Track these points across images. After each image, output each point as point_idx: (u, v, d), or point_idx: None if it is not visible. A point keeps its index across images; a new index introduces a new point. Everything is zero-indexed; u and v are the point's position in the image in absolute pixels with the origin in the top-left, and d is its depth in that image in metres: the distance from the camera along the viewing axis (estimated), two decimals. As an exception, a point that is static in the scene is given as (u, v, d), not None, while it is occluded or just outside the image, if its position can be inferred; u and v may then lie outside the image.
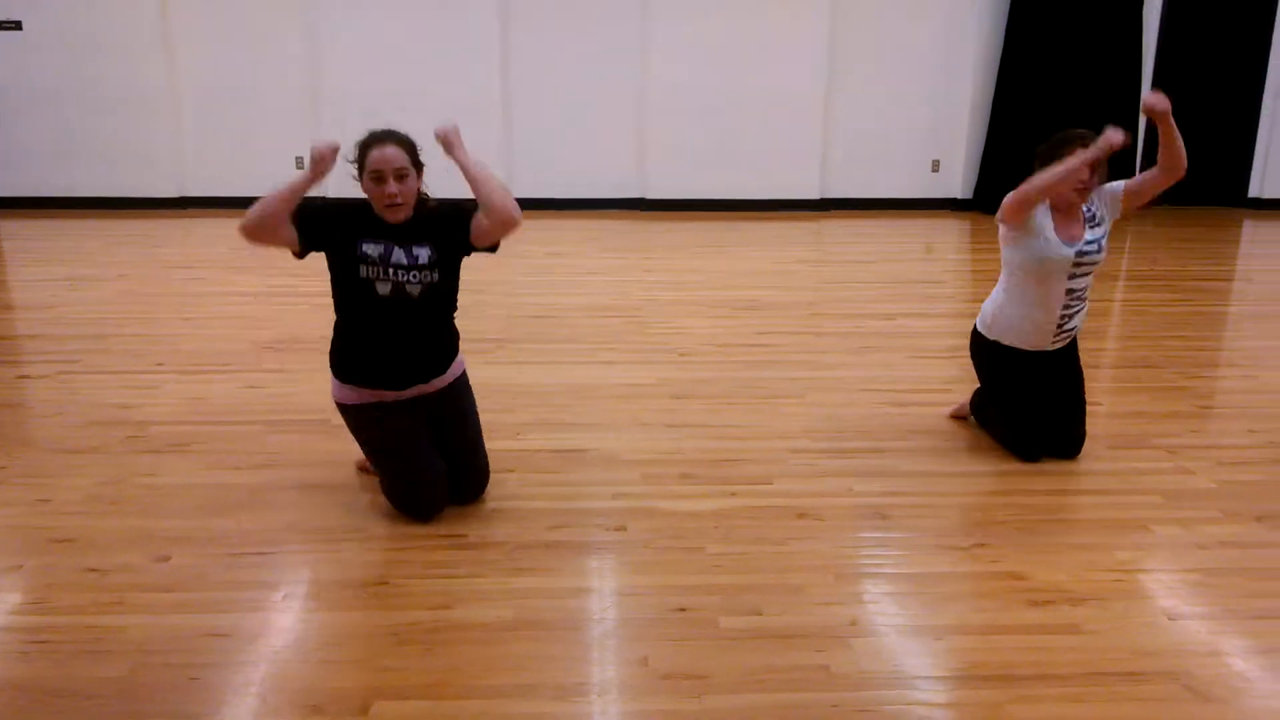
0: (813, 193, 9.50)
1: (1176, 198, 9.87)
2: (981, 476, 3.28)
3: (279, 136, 9.08)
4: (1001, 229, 3.28)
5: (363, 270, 2.74)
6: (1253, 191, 9.70)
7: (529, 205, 9.31)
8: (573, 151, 9.38)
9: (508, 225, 2.79)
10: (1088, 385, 3.49)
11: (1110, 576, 2.63)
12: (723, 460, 3.38)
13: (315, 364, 4.40)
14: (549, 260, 6.98)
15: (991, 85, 9.40)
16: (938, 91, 9.42)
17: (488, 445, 3.06)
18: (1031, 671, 2.21)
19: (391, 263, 2.74)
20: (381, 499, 2.99)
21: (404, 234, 2.77)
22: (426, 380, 2.89)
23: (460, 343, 3.02)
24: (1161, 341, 4.89)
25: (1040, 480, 3.24)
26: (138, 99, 8.97)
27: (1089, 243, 3.21)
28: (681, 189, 9.47)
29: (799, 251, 7.55)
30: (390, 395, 2.86)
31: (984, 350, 3.44)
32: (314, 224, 2.75)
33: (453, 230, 2.82)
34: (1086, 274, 3.25)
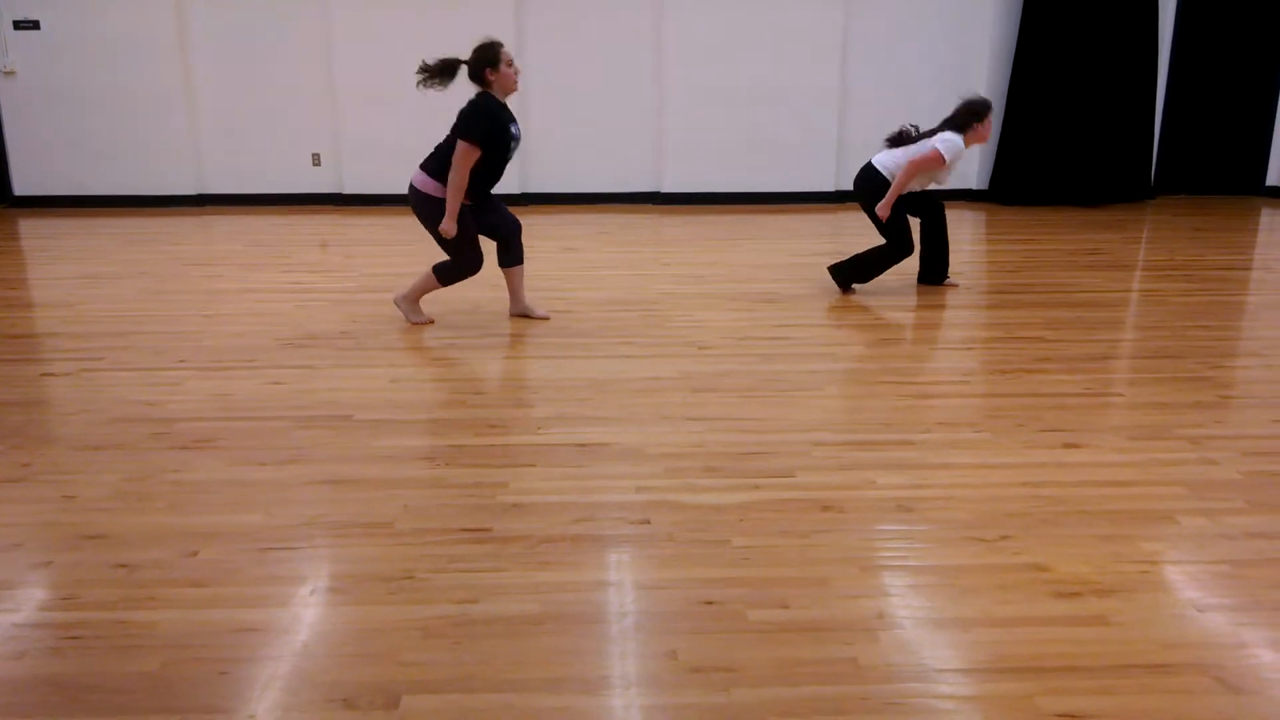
0: (828, 185, 9.48)
1: (1193, 187, 9.85)
2: (1004, 469, 3.28)
3: (296, 132, 9.11)
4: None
5: (511, 144, 4.75)
6: (1270, 180, 9.64)
7: (543, 200, 9.40)
8: (587, 146, 9.38)
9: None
10: (1108, 375, 3.46)
11: (1136, 568, 2.63)
12: (745, 453, 3.38)
13: (336, 360, 4.43)
14: (564, 255, 6.99)
15: (1006, 76, 9.36)
16: (952, 83, 9.36)
17: (505, 439, 3.08)
18: (1059, 664, 2.21)
19: (515, 135, 4.76)
20: (403, 493, 3.01)
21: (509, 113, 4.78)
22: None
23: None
24: (1182, 331, 4.87)
25: (1063, 472, 3.24)
26: (155, 96, 9.01)
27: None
28: (697, 183, 9.47)
29: (816, 244, 7.53)
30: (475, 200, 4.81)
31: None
32: (491, 139, 4.63)
33: None
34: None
